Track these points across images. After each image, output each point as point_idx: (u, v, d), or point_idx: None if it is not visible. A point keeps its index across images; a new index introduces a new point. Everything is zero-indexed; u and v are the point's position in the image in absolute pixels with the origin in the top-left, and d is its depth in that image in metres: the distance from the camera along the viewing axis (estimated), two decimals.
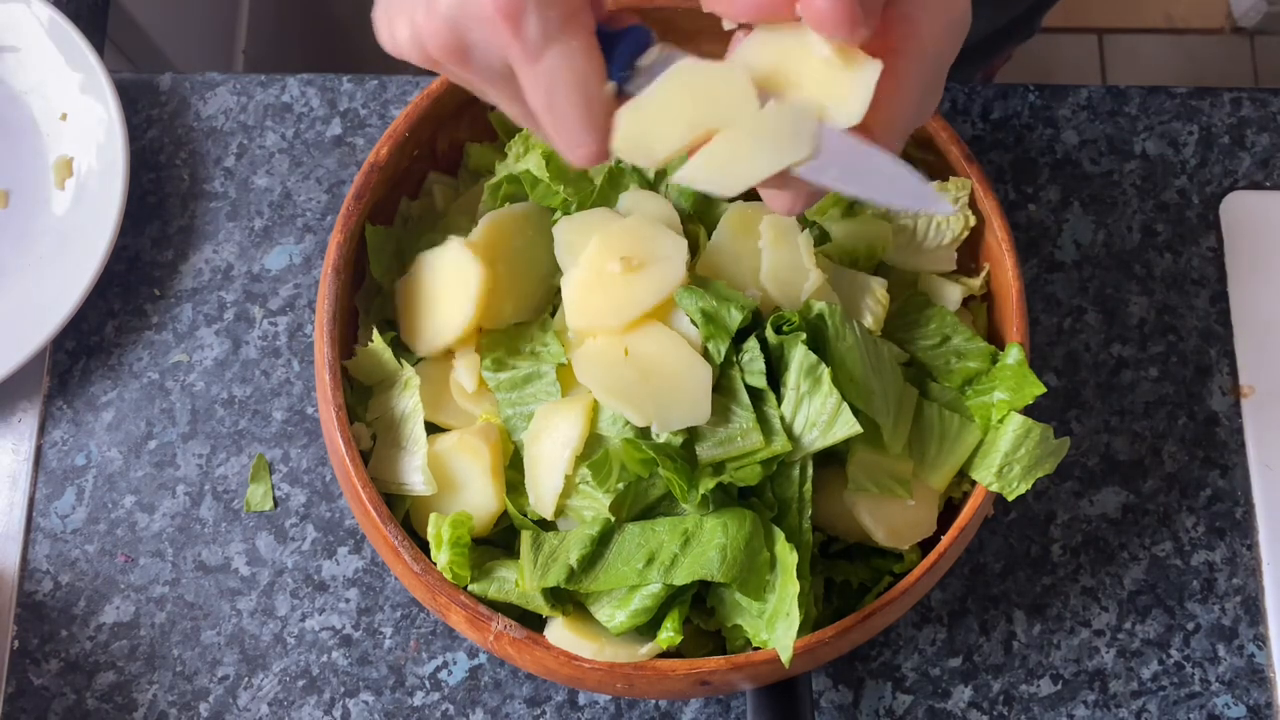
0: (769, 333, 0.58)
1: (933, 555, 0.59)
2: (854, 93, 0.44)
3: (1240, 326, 0.78)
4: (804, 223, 0.64)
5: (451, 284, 0.62)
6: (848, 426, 0.56)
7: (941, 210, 0.44)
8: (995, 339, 0.67)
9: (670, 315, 0.59)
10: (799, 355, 0.57)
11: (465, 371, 0.63)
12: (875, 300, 0.63)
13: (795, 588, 0.55)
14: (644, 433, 0.57)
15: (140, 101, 0.83)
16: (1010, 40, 1.06)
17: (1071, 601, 0.74)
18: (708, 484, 0.56)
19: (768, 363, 0.58)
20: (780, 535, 0.57)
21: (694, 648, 0.61)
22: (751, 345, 0.58)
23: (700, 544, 0.56)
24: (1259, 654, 0.73)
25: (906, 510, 0.61)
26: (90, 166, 0.79)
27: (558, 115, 0.47)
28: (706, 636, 0.62)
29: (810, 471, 0.59)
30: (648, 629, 0.58)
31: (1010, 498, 0.61)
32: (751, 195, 0.51)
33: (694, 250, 0.62)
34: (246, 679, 0.72)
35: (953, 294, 0.66)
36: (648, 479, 0.58)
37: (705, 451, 0.57)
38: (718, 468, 0.58)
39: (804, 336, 0.57)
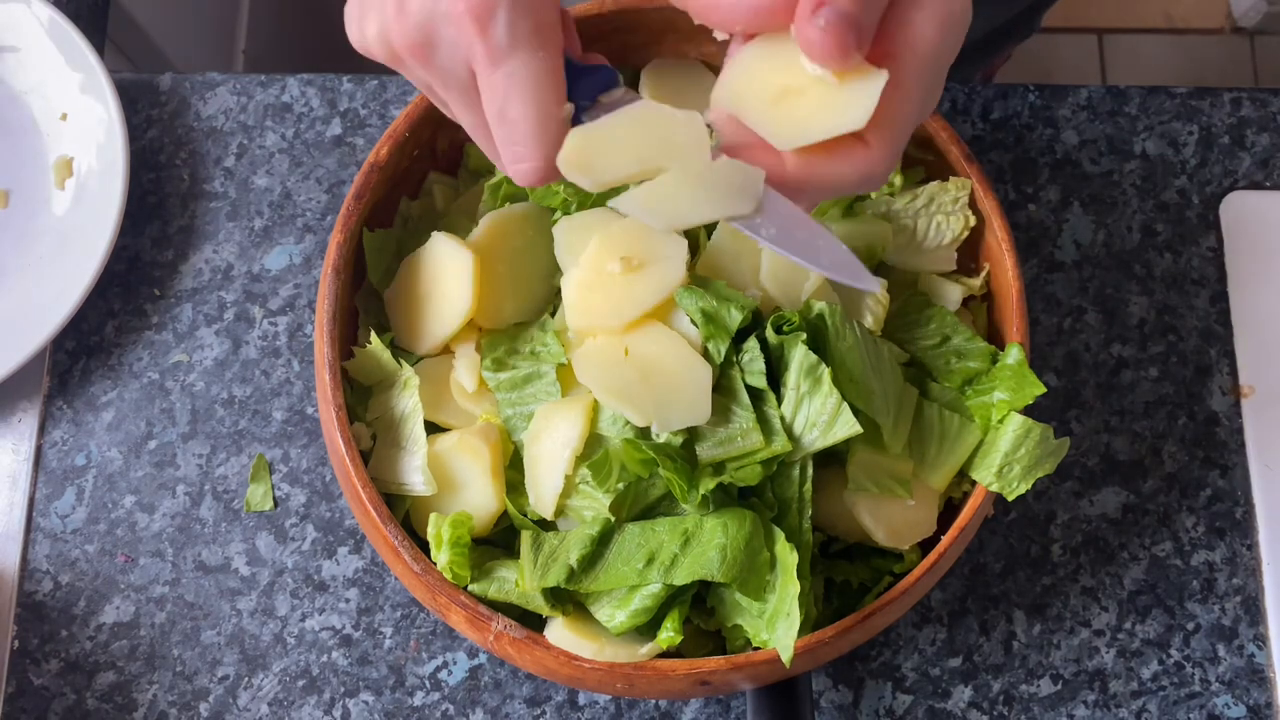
0: (769, 333, 0.58)
1: (933, 555, 0.59)
2: (857, 101, 0.44)
3: (1240, 326, 0.78)
4: None
5: (445, 277, 0.62)
6: (848, 426, 0.56)
7: (868, 287, 0.45)
8: (995, 339, 0.67)
9: (670, 315, 0.59)
10: (799, 355, 0.57)
11: (465, 371, 0.63)
12: (875, 300, 0.63)
13: (795, 588, 0.55)
14: (644, 433, 0.57)
15: (140, 101, 0.83)
16: (1010, 39, 1.06)
17: (1071, 601, 0.74)
18: (708, 484, 0.56)
19: (768, 363, 0.58)
20: (780, 535, 0.57)
21: (694, 648, 0.61)
22: (751, 345, 0.58)
23: (700, 544, 0.56)
24: (1259, 654, 0.73)
25: (906, 510, 0.61)
26: (90, 166, 0.79)
27: (508, 124, 0.46)
28: (706, 636, 0.62)
29: (810, 471, 0.59)
30: (648, 629, 0.58)
31: (1010, 498, 0.61)
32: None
33: (694, 250, 0.62)
34: (246, 679, 0.72)
35: (953, 294, 0.66)
36: (648, 479, 0.58)
37: (705, 451, 0.57)
38: (718, 468, 0.58)
39: (804, 336, 0.57)
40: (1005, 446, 0.60)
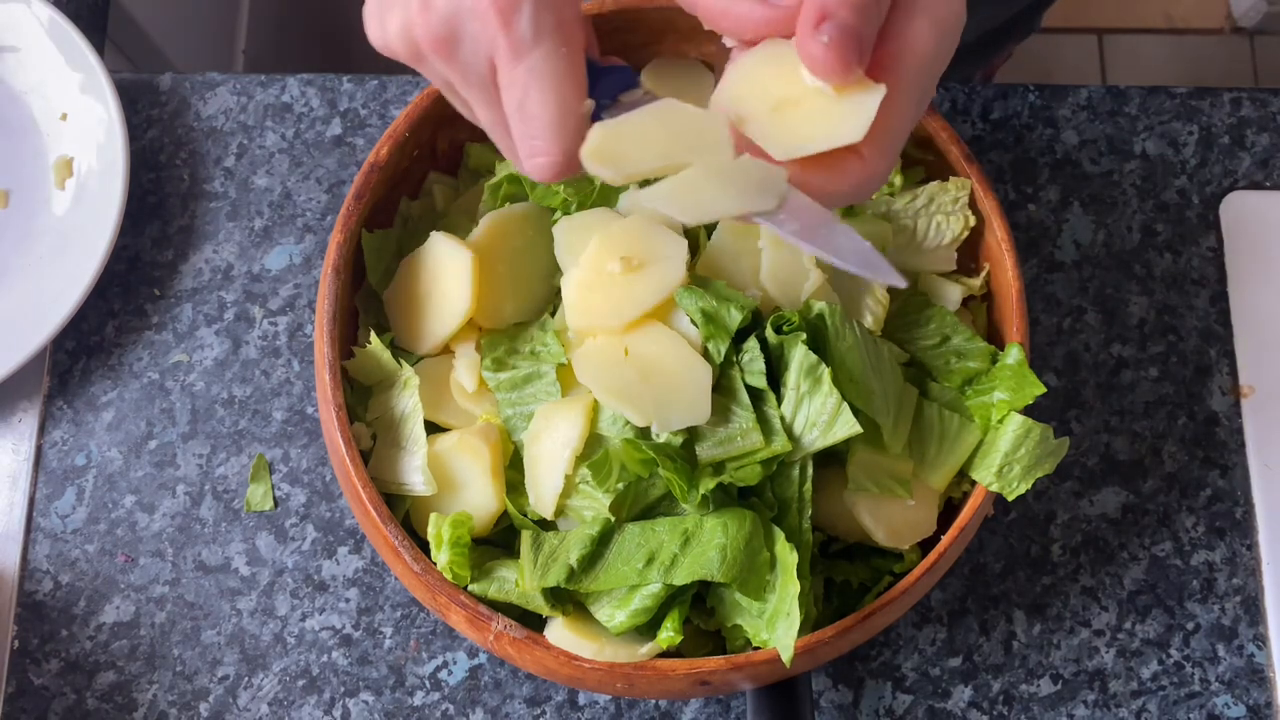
0: (769, 333, 0.58)
1: (933, 555, 0.59)
2: (855, 114, 0.44)
3: (1240, 326, 0.78)
4: None
5: (444, 277, 0.63)
6: (848, 426, 0.56)
7: (892, 282, 0.45)
8: (995, 339, 0.67)
9: (670, 315, 0.59)
10: (799, 355, 0.57)
11: (465, 371, 0.63)
12: (875, 300, 0.63)
13: (795, 588, 0.55)
14: (644, 433, 0.57)
15: (140, 101, 0.83)
16: (1011, 38, 1.06)
17: (1071, 601, 0.74)
18: (708, 484, 0.56)
19: (768, 363, 0.58)
20: (780, 535, 0.57)
21: (694, 648, 0.61)
22: (751, 345, 0.58)
23: (700, 544, 0.56)
24: (1259, 654, 0.73)
25: (906, 510, 0.61)
26: (90, 166, 0.79)
27: (528, 119, 0.46)
28: (706, 636, 0.62)
29: (810, 471, 0.59)
30: (648, 629, 0.58)
31: (1010, 498, 0.61)
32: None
33: (694, 250, 0.62)
34: (246, 679, 0.72)
35: (953, 294, 0.66)
36: (648, 479, 0.58)
37: (705, 451, 0.57)
38: (718, 468, 0.58)
39: (804, 336, 0.57)
40: (1005, 446, 0.60)
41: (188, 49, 1.24)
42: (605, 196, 0.65)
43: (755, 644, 0.58)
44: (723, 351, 0.58)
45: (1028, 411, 0.61)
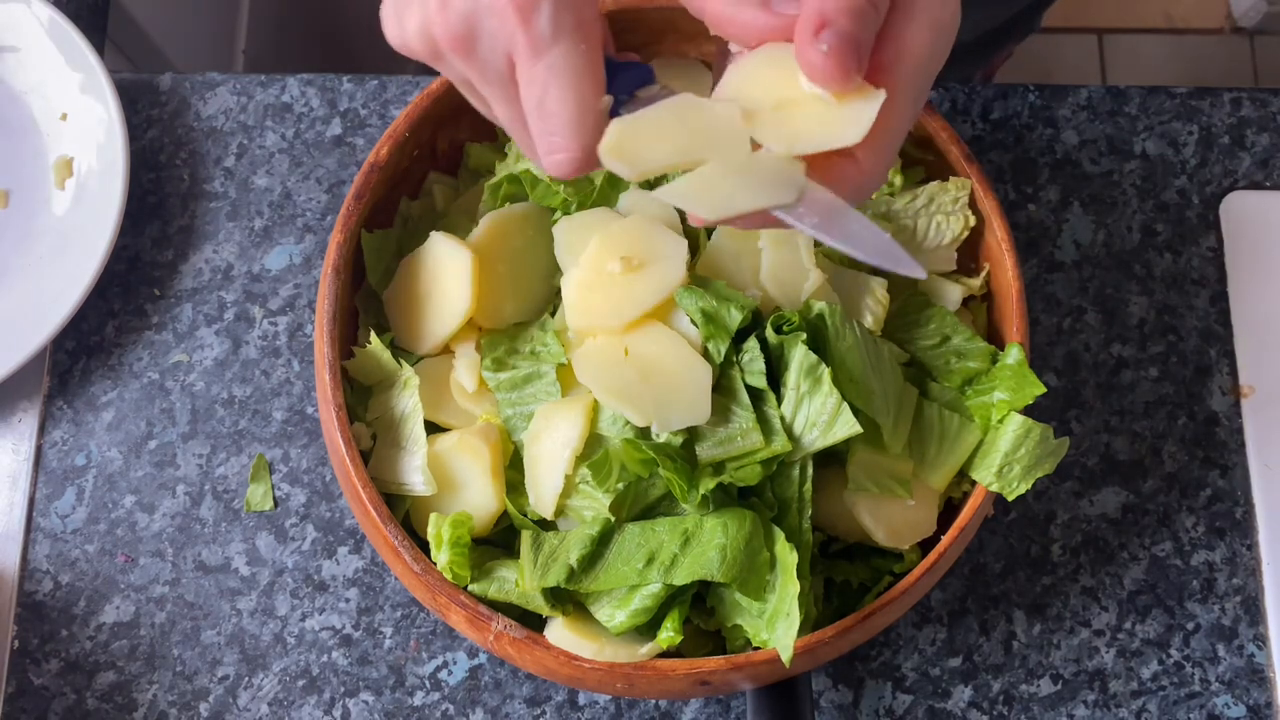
0: (769, 333, 0.58)
1: (933, 555, 0.59)
2: (854, 119, 0.44)
3: (1240, 326, 0.78)
4: None
5: (444, 277, 0.63)
6: (848, 426, 0.56)
7: (913, 273, 0.45)
8: (995, 339, 0.67)
9: (670, 315, 0.59)
10: (799, 355, 0.57)
11: (465, 371, 0.63)
12: (875, 300, 0.63)
13: (795, 588, 0.55)
14: (644, 433, 0.57)
15: (140, 101, 0.83)
16: (1011, 37, 1.06)
17: (1071, 601, 0.74)
18: (708, 484, 0.56)
19: (768, 363, 0.58)
20: (780, 535, 0.57)
21: (694, 648, 0.61)
22: (751, 345, 0.58)
23: (700, 544, 0.56)
24: (1259, 654, 0.73)
25: (906, 510, 0.61)
26: (90, 166, 0.79)
27: (547, 115, 0.47)
28: (706, 636, 0.62)
29: (810, 471, 0.59)
30: (648, 629, 0.58)
31: (1010, 498, 0.61)
32: None
33: (694, 250, 0.62)
34: (246, 679, 0.72)
35: (953, 294, 0.66)
36: (648, 479, 0.58)
37: (705, 451, 0.57)
38: (718, 468, 0.58)
39: (804, 336, 0.57)
40: (1005, 446, 0.60)
41: (188, 49, 1.24)
42: (605, 196, 0.65)
43: (755, 644, 0.58)
44: (723, 351, 0.58)
45: (1028, 411, 0.61)
